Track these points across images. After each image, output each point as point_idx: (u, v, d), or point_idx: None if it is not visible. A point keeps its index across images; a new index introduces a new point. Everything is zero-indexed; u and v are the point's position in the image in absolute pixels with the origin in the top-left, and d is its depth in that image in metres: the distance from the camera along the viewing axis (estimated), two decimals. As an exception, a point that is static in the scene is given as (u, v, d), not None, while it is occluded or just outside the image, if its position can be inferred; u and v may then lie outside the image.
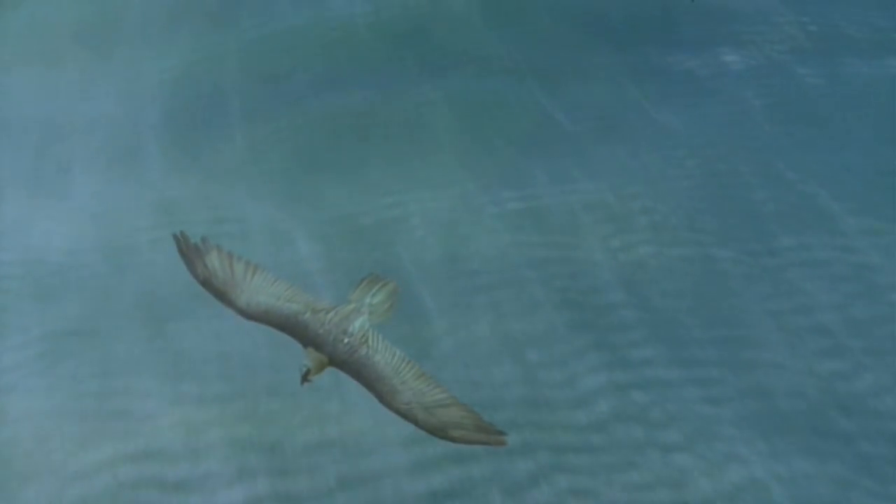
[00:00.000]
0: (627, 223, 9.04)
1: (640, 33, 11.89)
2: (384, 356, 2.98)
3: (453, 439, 2.78)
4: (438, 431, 2.73)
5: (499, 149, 10.02)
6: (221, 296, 3.11)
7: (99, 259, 7.21)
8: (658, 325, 6.53)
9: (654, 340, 6.34)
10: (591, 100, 10.80)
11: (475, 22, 11.93)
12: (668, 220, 8.91)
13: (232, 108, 11.18)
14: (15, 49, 12.00)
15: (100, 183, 9.07)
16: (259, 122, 10.97)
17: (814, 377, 5.79)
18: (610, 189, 9.43)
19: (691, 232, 8.73)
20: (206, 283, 3.12)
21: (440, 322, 6.45)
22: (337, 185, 9.62)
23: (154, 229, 7.68)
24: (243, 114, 11.13)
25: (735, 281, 7.65)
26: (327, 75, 11.66)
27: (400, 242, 8.40)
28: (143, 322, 6.28)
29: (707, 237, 8.57)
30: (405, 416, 2.83)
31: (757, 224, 8.69)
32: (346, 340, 3.01)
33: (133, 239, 7.43)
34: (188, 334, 6.12)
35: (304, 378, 3.05)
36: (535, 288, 7.09)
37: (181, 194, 8.70)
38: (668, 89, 10.99)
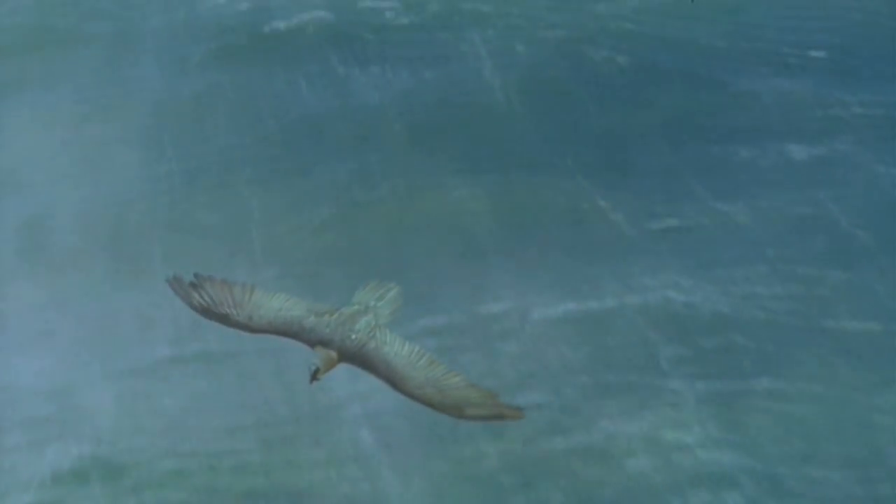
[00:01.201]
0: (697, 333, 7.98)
1: (692, 123, 11.08)
2: (393, 347, 2.98)
3: (470, 417, 2.78)
4: (454, 410, 2.73)
5: (549, 253, 9.01)
6: (224, 318, 3.11)
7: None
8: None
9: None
10: (648, 197, 9.86)
11: (516, 114, 11.14)
12: (742, 343, 7.85)
13: (250, 205, 10.32)
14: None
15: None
16: (280, 218, 10.10)
17: None
18: (679, 293, 8.38)
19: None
20: (206, 312, 3.14)
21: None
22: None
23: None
24: (262, 209, 10.28)
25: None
26: (355, 169, 10.80)
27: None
28: None
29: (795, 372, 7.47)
30: (419, 399, 2.80)
31: (848, 359, 7.56)
32: (353, 337, 3.03)
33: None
34: None
35: (314, 376, 3.03)
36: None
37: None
38: (730, 182, 10.08)
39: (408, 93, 11.31)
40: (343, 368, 3.13)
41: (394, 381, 2.89)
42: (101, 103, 12.20)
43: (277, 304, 3.15)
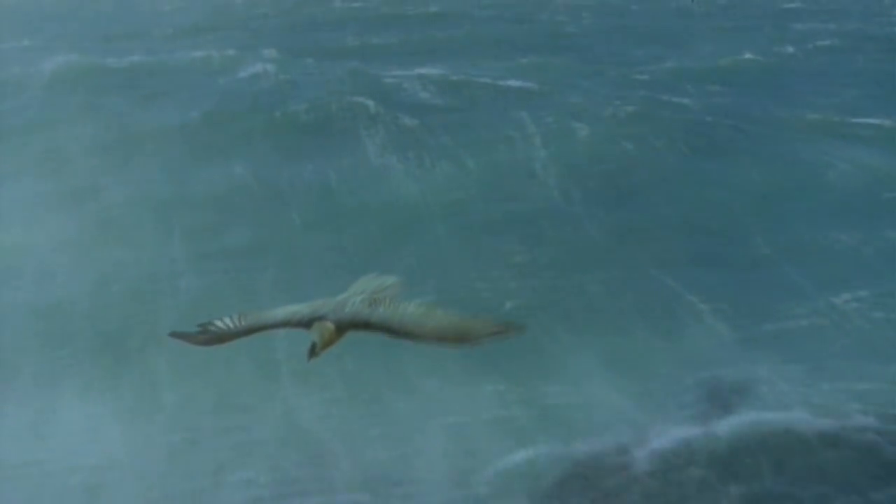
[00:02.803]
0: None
1: (774, 205, 9.58)
2: (389, 308, 3.16)
3: (474, 341, 2.94)
4: (461, 341, 2.95)
5: (645, 364, 7.42)
6: (228, 337, 3.33)
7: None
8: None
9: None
10: (746, 293, 8.27)
11: (575, 204, 9.70)
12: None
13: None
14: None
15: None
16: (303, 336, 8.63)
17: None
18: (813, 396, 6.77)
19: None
20: (215, 341, 3.30)
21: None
22: (408, 398, 7.20)
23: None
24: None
25: None
26: (395, 263, 9.40)
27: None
28: None
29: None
30: (427, 342, 3.00)
31: None
32: (347, 309, 3.19)
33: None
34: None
35: (312, 352, 3.11)
36: None
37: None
38: (836, 272, 8.52)
39: (450, 185, 9.96)
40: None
41: (395, 332, 3.04)
42: (117, 191, 11.02)
43: (278, 311, 3.28)
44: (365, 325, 3.16)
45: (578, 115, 11.42)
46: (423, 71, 15.69)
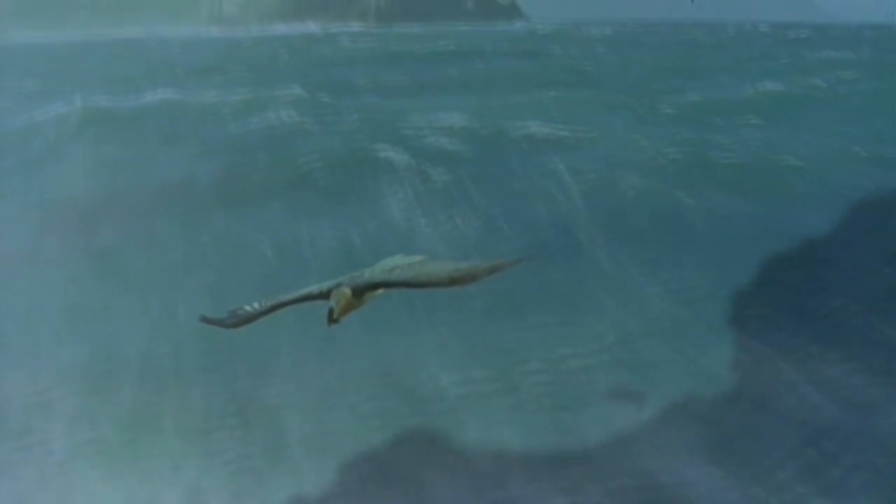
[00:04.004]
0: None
1: (861, 255, 8.50)
2: (403, 264, 3.37)
3: (479, 278, 3.08)
4: (467, 280, 3.10)
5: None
6: (251, 316, 3.50)
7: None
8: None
9: None
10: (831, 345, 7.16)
11: (622, 266, 8.64)
12: None
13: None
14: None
15: None
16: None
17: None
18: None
19: None
20: (242, 322, 3.51)
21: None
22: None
23: None
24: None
25: None
26: (415, 355, 8.34)
27: None
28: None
29: None
30: (438, 285, 3.18)
31: None
32: (365, 275, 3.34)
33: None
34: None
35: (330, 318, 3.26)
36: None
37: None
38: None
39: (484, 249, 8.90)
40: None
41: (408, 283, 3.25)
42: (123, 251, 10.10)
43: (302, 290, 3.47)
44: (382, 285, 3.31)
45: (617, 162, 10.41)
46: (443, 114, 14.79)
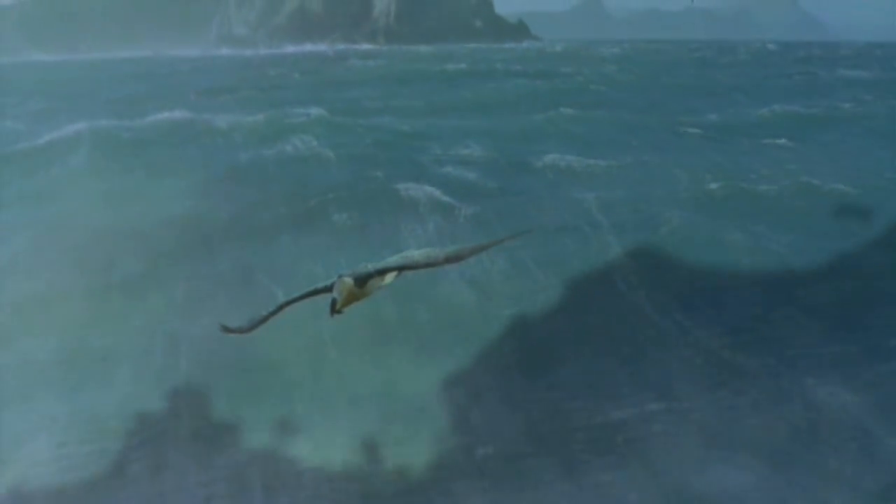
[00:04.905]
0: None
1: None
2: (403, 255, 3.47)
3: (468, 254, 3.24)
4: (456, 259, 3.30)
5: None
6: (266, 318, 3.76)
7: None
8: None
9: None
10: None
11: (672, 317, 7.94)
12: None
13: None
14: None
15: None
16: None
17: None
18: None
19: None
20: (257, 325, 3.76)
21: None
22: None
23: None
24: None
25: None
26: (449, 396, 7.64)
27: None
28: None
29: None
30: (430, 265, 3.39)
31: None
32: (369, 266, 3.47)
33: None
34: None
35: (333, 309, 3.42)
36: None
37: None
38: None
39: (513, 292, 8.21)
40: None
41: (408, 266, 3.43)
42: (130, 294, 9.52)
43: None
44: (382, 271, 3.41)
45: (650, 194, 9.71)
46: (461, 141, 14.17)
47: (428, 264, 3.37)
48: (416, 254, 3.54)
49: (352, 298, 3.40)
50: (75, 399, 7.43)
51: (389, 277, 3.51)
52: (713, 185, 10.37)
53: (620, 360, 7.24)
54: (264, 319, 3.68)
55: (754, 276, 8.03)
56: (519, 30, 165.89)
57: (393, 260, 3.46)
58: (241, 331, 3.69)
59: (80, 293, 9.49)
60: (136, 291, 9.18)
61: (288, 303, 3.60)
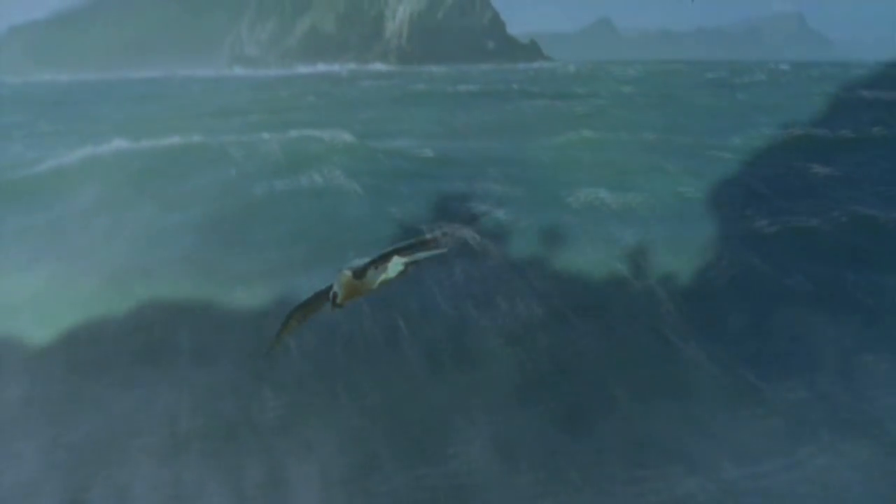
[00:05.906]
0: None
1: None
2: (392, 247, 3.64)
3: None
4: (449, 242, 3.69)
5: None
6: (283, 333, 3.93)
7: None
8: None
9: None
10: None
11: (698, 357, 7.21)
12: None
13: None
14: None
15: None
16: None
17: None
18: None
19: None
20: (277, 343, 3.95)
21: None
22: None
23: None
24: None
25: None
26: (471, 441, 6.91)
27: None
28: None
29: None
30: (424, 248, 3.62)
31: None
32: (367, 260, 3.56)
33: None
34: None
35: (334, 303, 3.47)
36: None
37: None
38: None
39: (544, 342, 7.48)
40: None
41: (409, 253, 3.57)
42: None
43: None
44: (378, 261, 3.49)
45: (695, 232, 8.95)
46: (484, 168, 13.50)
47: (421, 242, 3.53)
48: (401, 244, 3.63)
49: (352, 291, 3.44)
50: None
51: (393, 271, 3.54)
52: (761, 222, 9.62)
53: (684, 421, 6.48)
54: (278, 334, 3.77)
55: (825, 321, 7.23)
56: (531, 50, 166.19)
57: (386, 250, 3.55)
58: (265, 352, 3.96)
59: (78, 342, 8.83)
60: (139, 337, 8.52)
61: (295, 311, 3.65)
